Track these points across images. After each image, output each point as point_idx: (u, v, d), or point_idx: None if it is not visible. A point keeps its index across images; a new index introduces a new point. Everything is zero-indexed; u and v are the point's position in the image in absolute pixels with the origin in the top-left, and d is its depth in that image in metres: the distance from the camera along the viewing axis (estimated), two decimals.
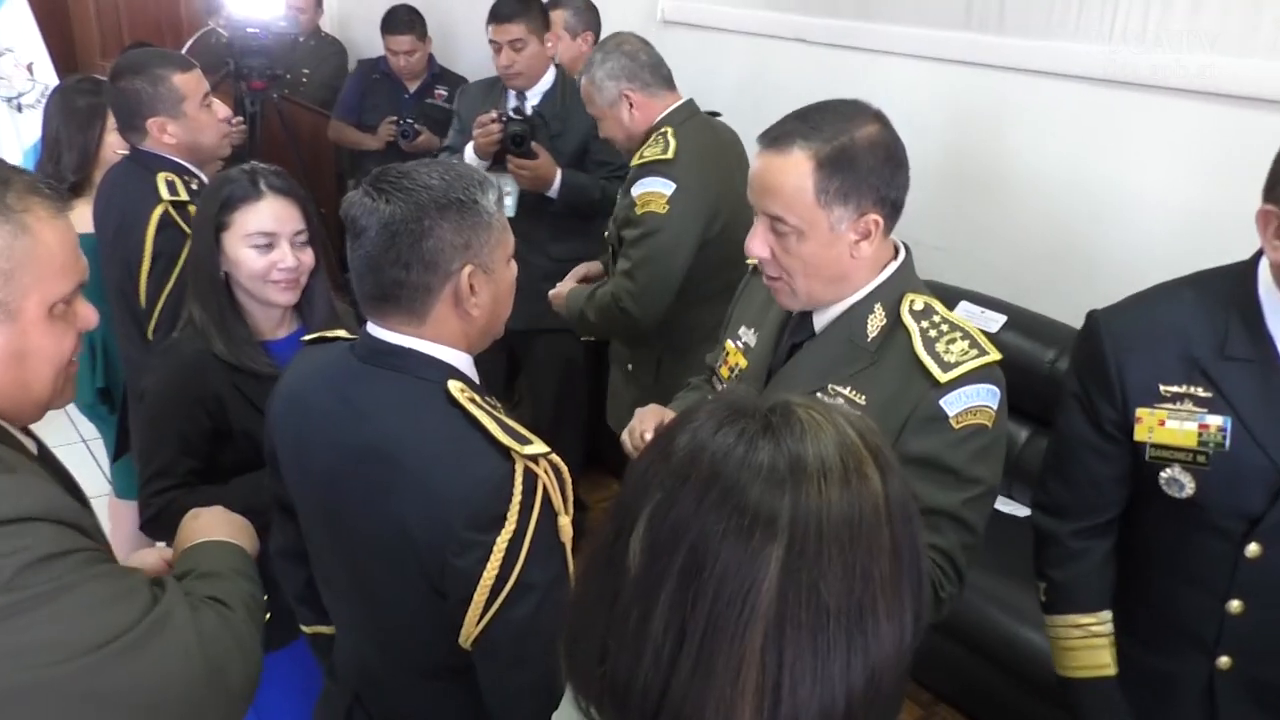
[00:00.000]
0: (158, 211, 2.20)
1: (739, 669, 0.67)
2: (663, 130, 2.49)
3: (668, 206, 2.41)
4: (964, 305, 3.00)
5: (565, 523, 1.22)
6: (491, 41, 3.05)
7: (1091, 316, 1.53)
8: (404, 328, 1.26)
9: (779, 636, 0.67)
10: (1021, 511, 2.86)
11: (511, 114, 2.97)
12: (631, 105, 2.50)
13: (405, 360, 1.26)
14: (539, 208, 3.03)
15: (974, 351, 1.38)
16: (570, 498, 1.25)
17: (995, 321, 2.93)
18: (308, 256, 1.77)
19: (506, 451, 1.17)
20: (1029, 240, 3.01)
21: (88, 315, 1.14)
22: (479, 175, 1.27)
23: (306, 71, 4.77)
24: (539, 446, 1.20)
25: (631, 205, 2.45)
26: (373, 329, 1.29)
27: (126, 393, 2.57)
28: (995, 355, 1.39)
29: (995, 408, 1.38)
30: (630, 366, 2.73)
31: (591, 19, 3.61)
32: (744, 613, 0.67)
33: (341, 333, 1.44)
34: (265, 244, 1.72)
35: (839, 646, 0.68)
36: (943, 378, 1.35)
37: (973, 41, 3.00)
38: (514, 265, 1.35)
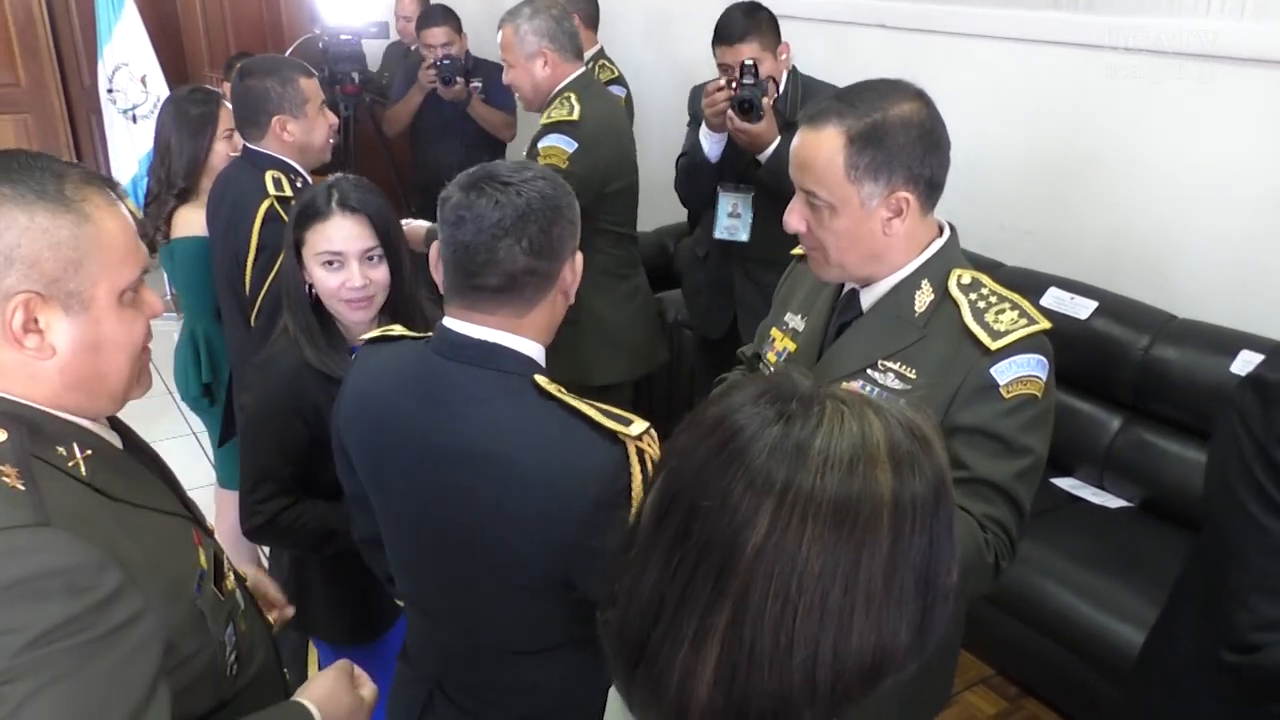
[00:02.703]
0: (264, 205, 2.33)
1: (704, 640, 0.68)
2: (567, 94, 2.72)
3: (568, 164, 2.62)
4: (1053, 291, 2.92)
5: None
6: (721, 65, 2.83)
7: (1265, 383, 1.21)
8: (492, 322, 1.27)
9: (742, 619, 0.67)
10: (1113, 503, 2.78)
11: (743, 79, 2.71)
12: (546, 62, 2.72)
13: (490, 355, 1.27)
14: (773, 228, 2.92)
15: (1023, 321, 1.38)
16: None
17: (1085, 308, 2.85)
18: (379, 274, 1.73)
19: (613, 435, 1.20)
20: (1122, 224, 2.91)
21: (154, 303, 1.14)
22: (560, 178, 1.31)
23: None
24: (640, 424, 1.22)
25: (535, 159, 2.64)
26: (455, 324, 1.28)
27: (231, 381, 2.70)
28: (1044, 324, 1.39)
29: (1045, 378, 1.38)
30: None
31: (583, 3, 3.80)
32: (718, 585, 0.67)
33: (397, 328, 1.46)
34: (334, 263, 1.70)
35: (802, 644, 0.66)
36: (993, 345, 1.36)
37: (1061, 21, 2.92)
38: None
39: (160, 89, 4.76)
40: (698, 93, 3.10)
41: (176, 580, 1.08)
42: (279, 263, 2.26)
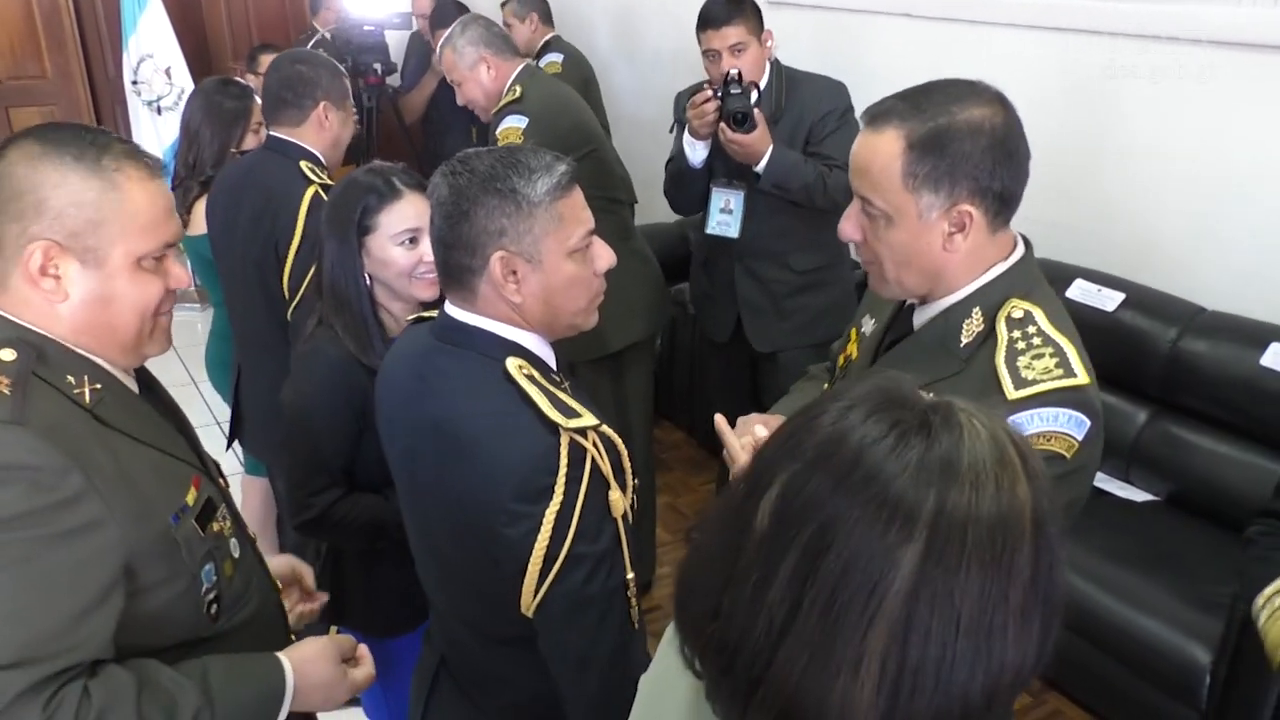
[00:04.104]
0: (310, 192, 2.33)
1: (859, 663, 0.66)
2: (512, 86, 2.92)
3: (523, 138, 2.77)
4: (1079, 283, 2.90)
5: (616, 497, 1.24)
6: (706, 52, 2.76)
7: None
8: (464, 305, 1.30)
9: (904, 640, 0.65)
10: (1139, 496, 2.75)
11: (729, 90, 2.66)
12: (489, 67, 2.89)
13: (469, 337, 1.30)
14: (765, 223, 2.83)
15: (1059, 371, 1.22)
16: (627, 470, 1.27)
17: (1113, 300, 2.82)
18: None
19: (554, 426, 1.20)
20: (1153, 214, 2.87)
21: (180, 275, 1.23)
22: (535, 162, 1.26)
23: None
24: (587, 420, 1.21)
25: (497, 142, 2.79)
26: (446, 306, 1.33)
27: (240, 377, 2.68)
28: (1083, 380, 1.23)
29: (1080, 439, 1.22)
30: None
31: (536, 2, 4.17)
32: (869, 607, 0.65)
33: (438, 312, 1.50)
34: (411, 240, 1.74)
35: (964, 662, 0.66)
36: (1011, 395, 1.21)
37: (1091, 8, 2.88)
38: (593, 259, 1.33)
39: (184, 81, 4.79)
40: (683, 98, 3.03)
41: (148, 502, 1.15)
42: (321, 257, 2.27)
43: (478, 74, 2.89)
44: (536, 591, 1.22)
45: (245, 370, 2.64)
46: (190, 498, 1.22)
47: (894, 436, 0.68)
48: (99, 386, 1.16)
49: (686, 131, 2.78)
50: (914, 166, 1.24)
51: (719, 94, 2.67)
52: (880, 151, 1.26)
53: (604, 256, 1.34)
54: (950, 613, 0.65)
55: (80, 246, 1.13)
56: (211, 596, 1.23)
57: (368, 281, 1.77)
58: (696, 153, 2.80)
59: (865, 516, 0.66)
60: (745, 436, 1.41)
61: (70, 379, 1.14)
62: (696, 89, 2.99)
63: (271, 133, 2.47)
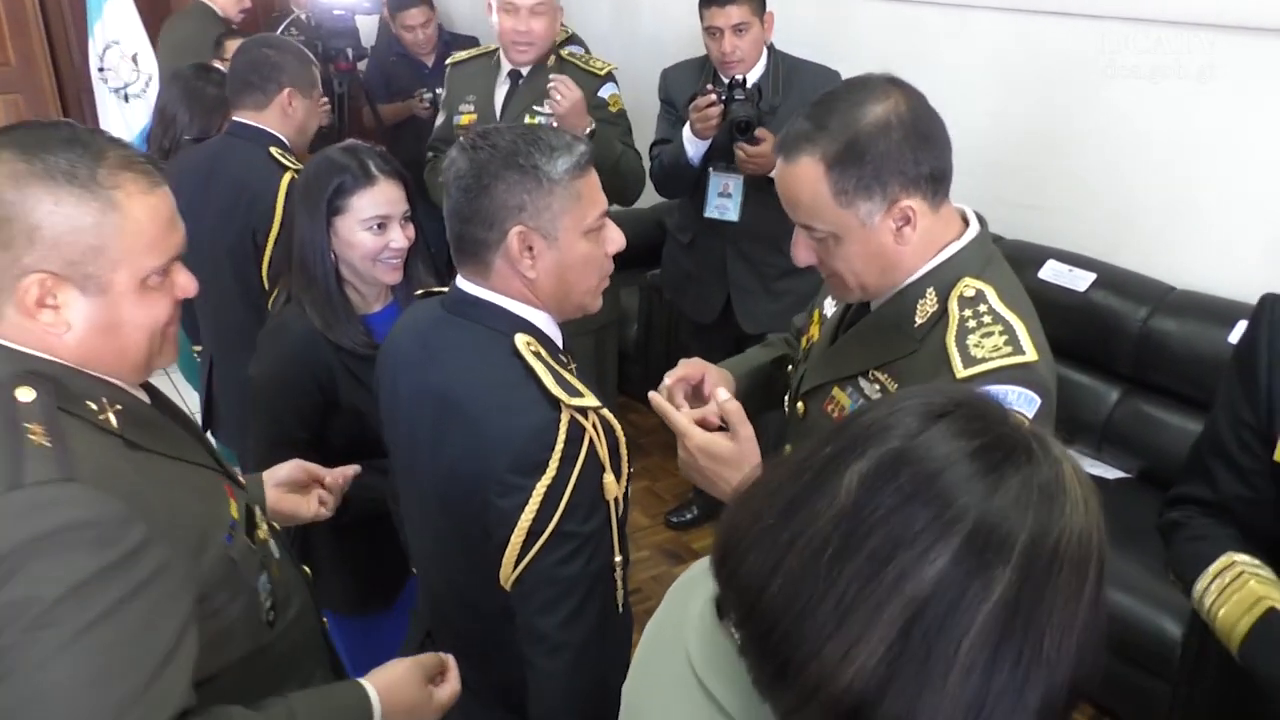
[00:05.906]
0: (286, 178, 2.31)
1: (947, 673, 0.65)
2: (578, 55, 2.92)
3: (621, 106, 2.93)
4: (1051, 264, 2.92)
5: (610, 480, 1.25)
6: (708, 29, 2.75)
7: (1262, 299, 1.30)
8: (477, 279, 1.32)
9: (992, 663, 0.66)
10: (1112, 474, 2.79)
11: (734, 94, 2.66)
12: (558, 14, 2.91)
13: (479, 310, 1.31)
14: (762, 206, 2.78)
15: (1008, 349, 1.23)
16: (624, 457, 1.28)
17: (1084, 280, 2.85)
18: (411, 232, 1.81)
19: (556, 402, 1.21)
20: (1126, 195, 2.90)
21: (186, 283, 1.16)
22: (556, 141, 1.28)
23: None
24: (589, 400, 1.23)
25: (604, 105, 2.88)
26: (458, 280, 1.35)
27: (213, 364, 2.65)
28: (1031, 356, 1.24)
29: (1031, 415, 1.20)
30: None
31: None
32: (960, 624, 0.65)
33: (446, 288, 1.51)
34: (380, 226, 1.76)
35: (1036, 686, 0.67)
36: (960, 373, 1.22)
37: None
38: (606, 241, 1.35)
39: (151, 67, 4.71)
40: (668, 75, 3.04)
41: (204, 531, 1.10)
42: (285, 236, 2.23)
43: (559, 17, 2.85)
44: (517, 565, 1.23)
45: (218, 361, 2.61)
46: (234, 510, 1.18)
47: (998, 452, 0.69)
48: (120, 407, 1.09)
49: (687, 128, 2.76)
50: (841, 183, 1.25)
51: (723, 98, 2.64)
52: (803, 179, 1.27)
53: (615, 239, 1.37)
54: (1037, 635, 0.66)
55: (80, 275, 1.04)
56: (270, 604, 1.20)
57: (333, 259, 1.77)
58: (697, 150, 2.80)
59: (963, 532, 0.66)
60: (685, 405, 1.43)
61: (91, 405, 1.06)
62: (683, 67, 3.01)
63: (235, 118, 2.43)
